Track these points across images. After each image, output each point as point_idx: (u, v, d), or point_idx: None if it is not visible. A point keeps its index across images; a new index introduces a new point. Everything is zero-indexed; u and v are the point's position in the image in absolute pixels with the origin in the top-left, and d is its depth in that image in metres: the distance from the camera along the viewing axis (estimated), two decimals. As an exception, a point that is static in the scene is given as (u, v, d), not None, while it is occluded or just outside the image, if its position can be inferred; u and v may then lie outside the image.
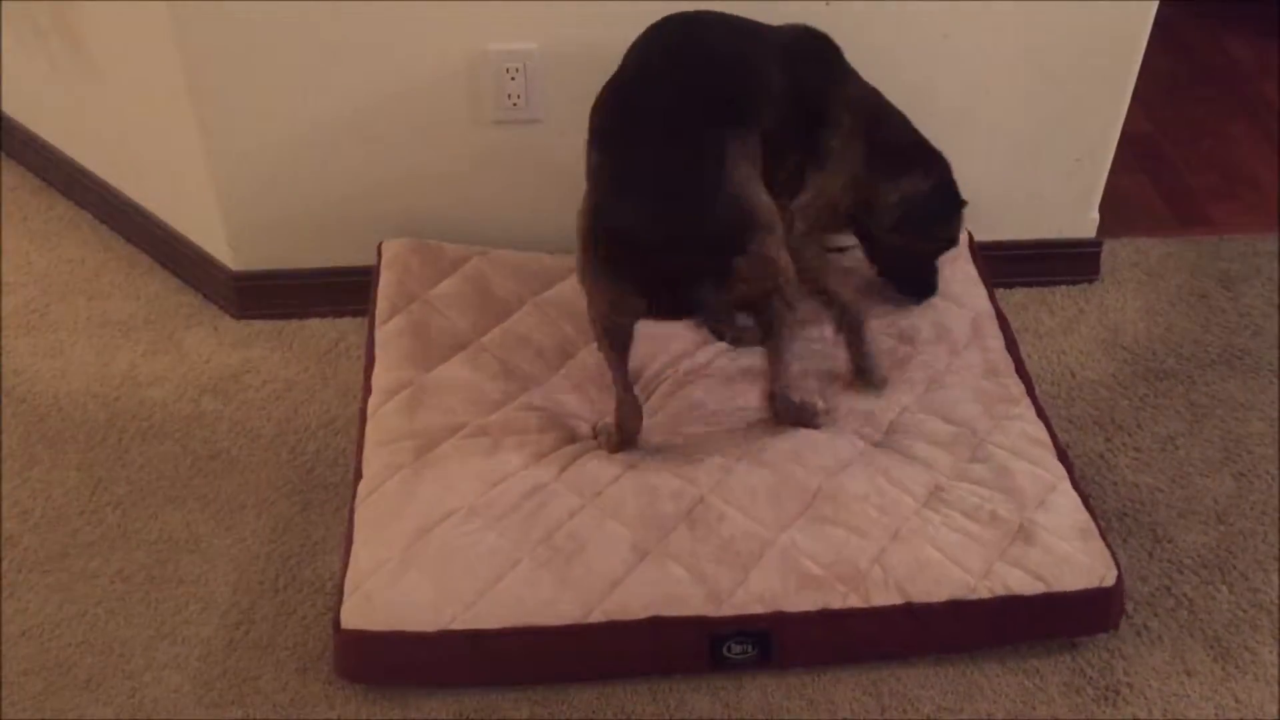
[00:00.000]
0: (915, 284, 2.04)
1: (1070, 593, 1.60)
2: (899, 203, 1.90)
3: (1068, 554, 1.63)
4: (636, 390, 1.79)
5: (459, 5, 1.88)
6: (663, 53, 1.70)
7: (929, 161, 1.92)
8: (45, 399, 1.99)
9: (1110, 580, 1.62)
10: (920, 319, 2.00)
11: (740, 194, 1.59)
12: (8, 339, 2.10)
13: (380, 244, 2.07)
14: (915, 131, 1.91)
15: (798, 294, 1.68)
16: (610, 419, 1.77)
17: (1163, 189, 2.54)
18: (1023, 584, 1.60)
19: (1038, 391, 1.91)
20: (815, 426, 1.80)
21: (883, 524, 1.66)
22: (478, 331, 1.95)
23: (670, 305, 1.57)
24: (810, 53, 1.82)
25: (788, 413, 1.80)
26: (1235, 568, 1.77)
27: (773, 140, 1.70)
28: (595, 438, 1.80)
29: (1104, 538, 1.67)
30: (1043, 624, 1.63)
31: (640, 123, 1.62)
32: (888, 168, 1.89)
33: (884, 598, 1.59)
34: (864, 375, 1.89)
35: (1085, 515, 1.69)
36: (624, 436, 1.77)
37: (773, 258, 1.60)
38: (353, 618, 1.55)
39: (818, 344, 1.95)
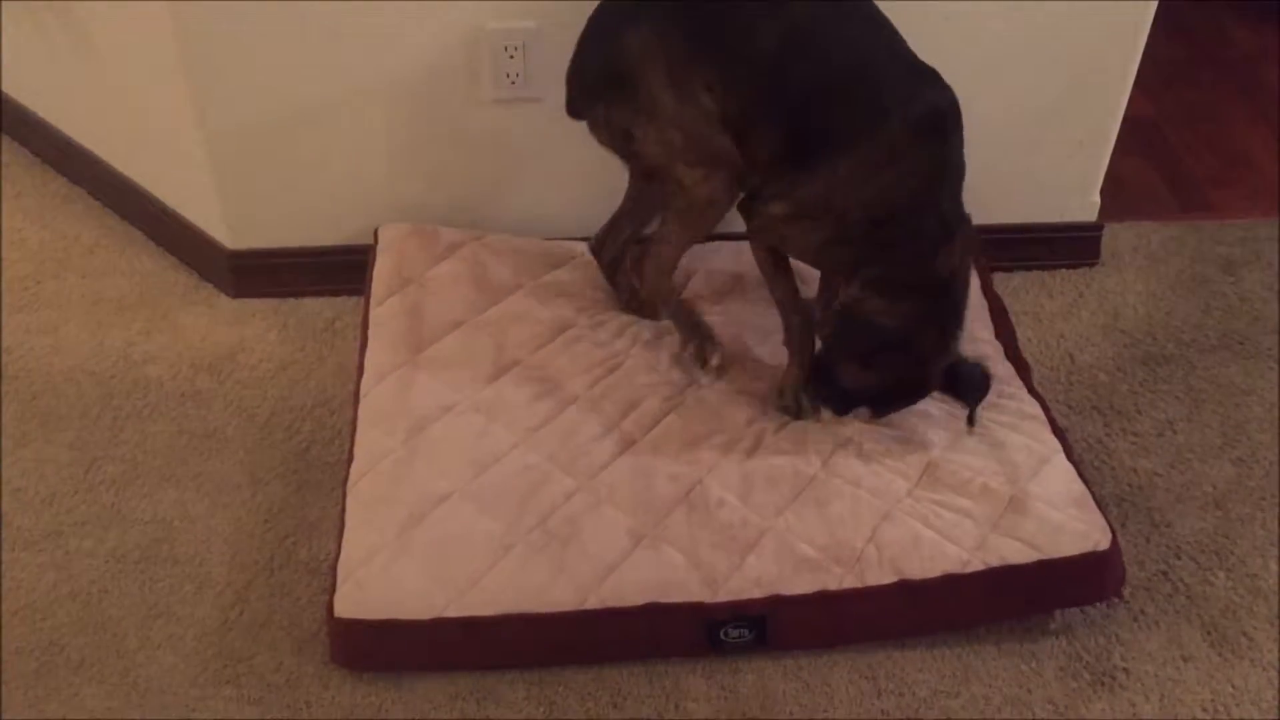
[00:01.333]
0: (827, 390, 1.76)
1: (1064, 559, 1.60)
2: (838, 312, 1.69)
3: (1060, 521, 1.63)
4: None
5: (457, -18, 1.87)
6: None
7: (920, 299, 1.65)
8: (39, 377, 1.98)
9: (1104, 544, 1.62)
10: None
11: (624, 58, 1.67)
12: (1, 316, 2.08)
13: (377, 229, 2.05)
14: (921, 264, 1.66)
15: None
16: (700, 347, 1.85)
17: (1164, 174, 2.53)
18: (1016, 553, 1.60)
19: (1036, 375, 1.90)
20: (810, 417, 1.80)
21: (876, 505, 1.66)
22: (473, 312, 1.94)
23: (572, 105, 1.79)
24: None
25: (791, 409, 1.80)
26: (1233, 553, 1.77)
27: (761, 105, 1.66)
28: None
29: (1099, 505, 1.66)
30: (1039, 594, 1.63)
31: None
32: (874, 277, 1.66)
33: (878, 577, 1.59)
34: (784, 399, 1.81)
35: (1080, 485, 1.69)
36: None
37: (627, 131, 1.71)
38: (346, 606, 1.55)
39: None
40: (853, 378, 1.70)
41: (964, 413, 1.73)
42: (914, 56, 1.66)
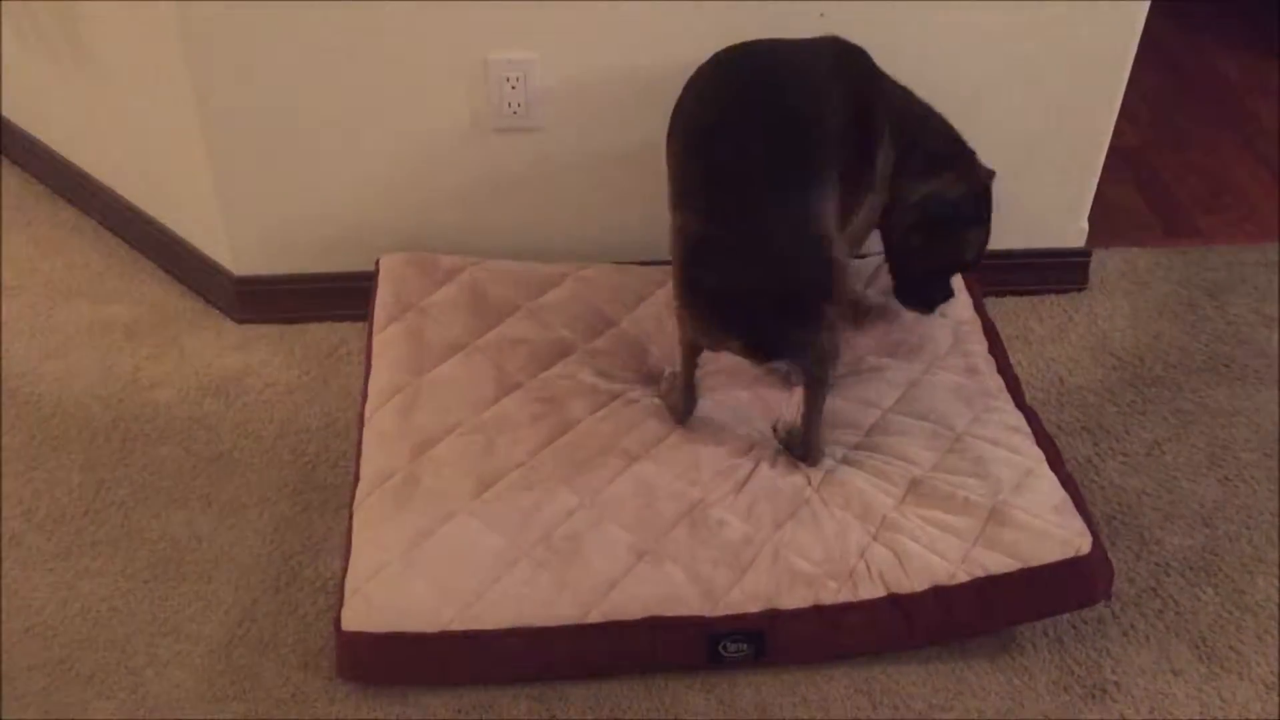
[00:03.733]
0: (921, 294, 1.98)
1: (1046, 565, 1.63)
2: (920, 202, 1.86)
3: (1041, 529, 1.67)
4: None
5: (461, 15, 1.91)
6: (739, 107, 1.71)
7: (964, 168, 1.88)
8: (49, 401, 2.01)
9: (1086, 548, 1.65)
10: (905, 332, 2.02)
11: (828, 245, 1.65)
12: (12, 342, 2.12)
13: (378, 259, 2.10)
14: (954, 137, 1.89)
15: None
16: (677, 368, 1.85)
17: (1151, 200, 2.58)
18: (999, 564, 1.64)
19: (1026, 397, 1.94)
20: (812, 465, 1.79)
21: (865, 523, 1.69)
22: (473, 335, 1.97)
23: (763, 350, 1.69)
24: (856, 76, 1.80)
25: (799, 447, 1.79)
26: (1221, 570, 1.80)
27: (842, 182, 1.71)
28: (660, 387, 1.88)
29: (1082, 511, 1.70)
30: (1026, 602, 1.66)
31: (727, 182, 1.66)
32: (917, 168, 1.85)
33: (870, 591, 1.62)
34: (793, 440, 1.80)
35: (1063, 494, 1.72)
36: (675, 415, 1.84)
37: (844, 298, 1.74)
38: (353, 620, 1.58)
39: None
40: (936, 257, 1.92)
41: (946, 434, 1.81)
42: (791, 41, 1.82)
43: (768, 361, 1.77)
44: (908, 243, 1.92)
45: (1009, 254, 2.24)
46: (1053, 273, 2.28)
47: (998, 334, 2.05)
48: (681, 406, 1.84)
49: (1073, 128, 2.13)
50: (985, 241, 1.95)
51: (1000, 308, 2.22)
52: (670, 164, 1.74)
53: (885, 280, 2.04)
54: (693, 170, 1.70)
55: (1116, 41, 2.04)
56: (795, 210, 1.63)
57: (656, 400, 1.87)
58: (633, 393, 1.89)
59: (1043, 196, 2.20)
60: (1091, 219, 2.26)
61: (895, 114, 1.83)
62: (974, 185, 1.89)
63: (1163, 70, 2.96)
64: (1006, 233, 2.23)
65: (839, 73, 1.78)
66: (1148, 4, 2.00)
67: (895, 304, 2.02)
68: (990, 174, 1.90)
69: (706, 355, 1.83)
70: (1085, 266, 2.30)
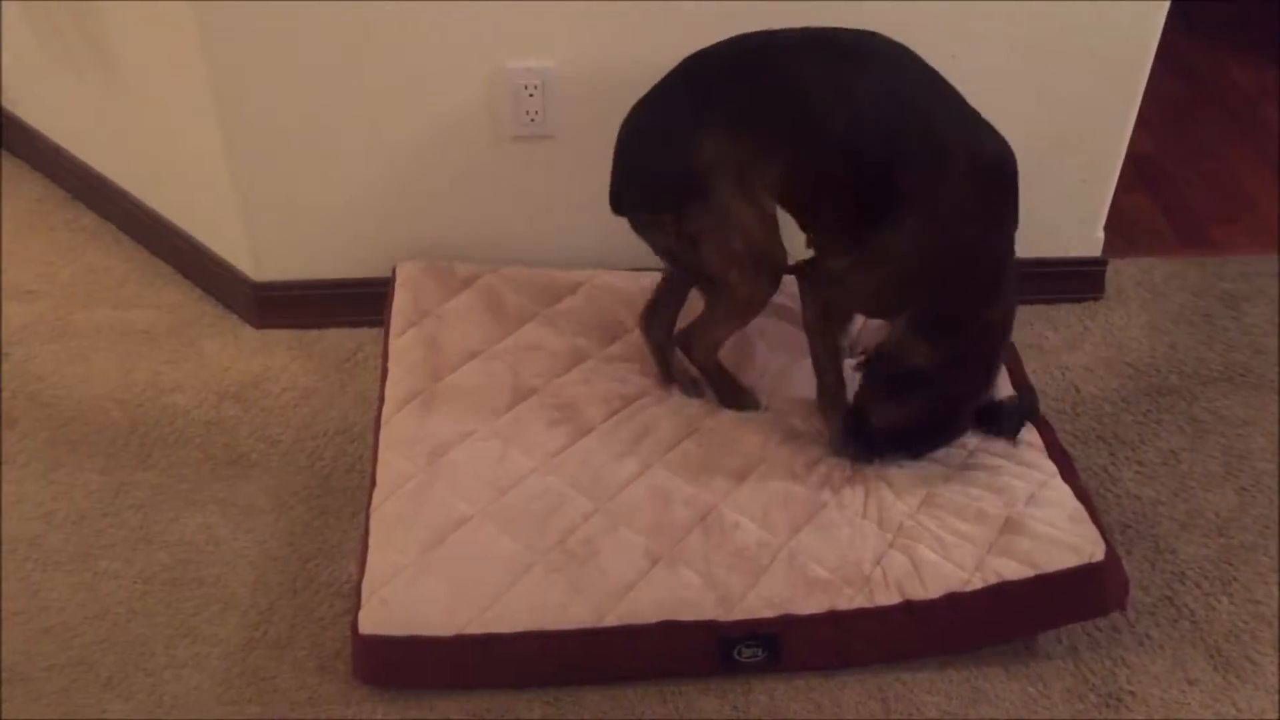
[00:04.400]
0: (863, 438, 1.80)
1: (1060, 573, 1.64)
2: (888, 352, 1.72)
3: (1055, 538, 1.67)
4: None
5: (479, 23, 1.93)
6: (738, 39, 1.72)
7: (958, 353, 1.70)
8: (69, 404, 2.03)
9: (1099, 556, 1.65)
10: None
11: (699, 167, 1.67)
12: (33, 345, 2.14)
13: (395, 266, 2.11)
14: (976, 301, 1.70)
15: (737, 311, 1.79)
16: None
17: (1166, 210, 2.58)
18: (1013, 571, 1.64)
19: (1041, 405, 1.94)
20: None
21: (880, 531, 1.70)
22: (489, 342, 1.99)
23: (616, 201, 1.79)
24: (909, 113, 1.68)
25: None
26: (1236, 579, 1.80)
27: (824, 177, 1.69)
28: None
29: (1095, 520, 1.70)
30: (1040, 610, 1.66)
31: (684, 72, 1.72)
32: (919, 311, 1.71)
33: (886, 598, 1.63)
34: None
35: (1076, 504, 1.72)
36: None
37: (693, 238, 1.71)
38: (370, 622, 1.59)
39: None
40: (888, 418, 1.74)
41: (959, 450, 1.81)
42: (970, 109, 1.70)
43: (618, 213, 1.79)
44: (865, 376, 1.79)
45: (1025, 263, 2.22)
46: (1069, 282, 2.28)
47: (1013, 346, 2.05)
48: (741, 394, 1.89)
49: (1089, 136, 2.13)
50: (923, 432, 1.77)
51: (1016, 316, 2.22)
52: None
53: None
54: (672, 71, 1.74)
55: (1134, 50, 2.04)
56: (694, 118, 1.68)
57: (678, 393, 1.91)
58: (647, 399, 1.90)
59: (1059, 205, 2.20)
60: (1107, 228, 2.27)
61: (929, 204, 1.66)
62: (955, 377, 1.70)
63: (1178, 79, 2.96)
64: (1023, 241, 2.23)
65: (886, 89, 1.69)
66: (1165, 12, 2.00)
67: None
68: (997, 399, 1.77)
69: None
70: (1101, 276, 2.30)
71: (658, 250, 1.81)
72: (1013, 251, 1.73)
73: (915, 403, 1.73)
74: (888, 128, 1.65)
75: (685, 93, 1.71)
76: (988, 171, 1.68)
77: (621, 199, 1.77)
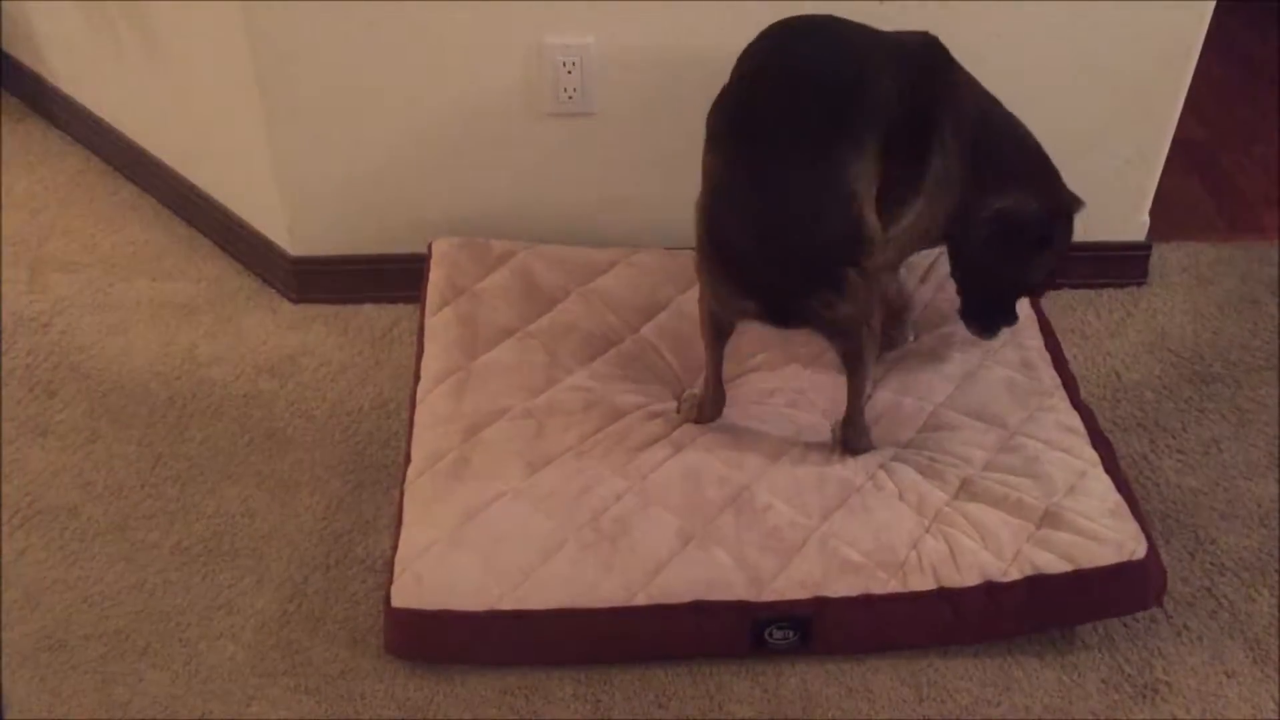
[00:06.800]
0: (985, 316, 1.88)
1: (1099, 569, 1.61)
2: (991, 217, 1.75)
3: (1095, 532, 1.65)
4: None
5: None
6: (780, 61, 1.66)
7: (1043, 187, 1.78)
8: (109, 376, 2.05)
9: (1140, 553, 1.63)
10: (958, 324, 1.97)
11: (857, 207, 1.57)
12: (73, 317, 2.16)
13: (430, 243, 2.11)
14: (1036, 154, 1.80)
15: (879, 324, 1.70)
16: (697, 391, 1.83)
17: (1214, 194, 2.53)
18: (1051, 564, 1.62)
19: (1081, 391, 1.92)
20: (862, 451, 1.79)
21: (917, 516, 1.69)
22: (524, 320, 1.98)
23: (780, 313, 1.63)
24: (925, 68, 1.72)
25: (853, 440, 1.79)
26: (1277, 571, 1.77)
27: (885, 162, 1.63)
28: (679, 408, 1.84)
29: (1137, 515, 1.68)
30: (1077, 604, 1.64)
31: (756, 130, 1.59)
32: (990, 182, 1.75)
33: (920, 584, 1.61)
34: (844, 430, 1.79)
35: (1117, 497, 1.70)
36: (703, 416, 1.81)
37: (877, 278, 1.63)
38: (403, 596, 1.59)
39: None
40: (1004, 278, 1.83)
41: (999, 432, 1.80)
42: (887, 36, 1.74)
43: (784, 326, 1.67)
44: (974, 260, 1.82)
45: (1069, 246, 2.21)
46: (1113, 266, 2.25)
47: (1052, 331, 2.02)
48: (708, 404, 1.81)
49: (1137, 119, 2.10)
50: (1054, 268, 1.86)
51: (1058, 300, 2.20)
52: (709, 113, 1.68)
53: (937, 276, 2.02)
54: (723, 115, 1.63)
55: (1184, 31, 2.00)
56: (821, 164, 1.55)
57: (676, 414, 1.84)
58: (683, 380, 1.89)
59: (1104, 188, 2.17)
60: (1153, 212, 2.23)
61: (965, 120, 1.72)
62: (1051, 207, 1.78)
63: (1228, 62, 2.91)
64: (1065, 225, 2.20)
65: (906, 58, 1.69)
66: (1216, -7, 1.96)
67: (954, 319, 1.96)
68: (1076, 201, 1.81)
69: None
70: (1145, 260, 2.27)
71: (824, 329, 1.67)
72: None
73: (1030, 242, 1.79)
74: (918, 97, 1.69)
75: (811, 124, 1.57)
76: (926, 47, 1.74)
77: (778, 298, 1.60)
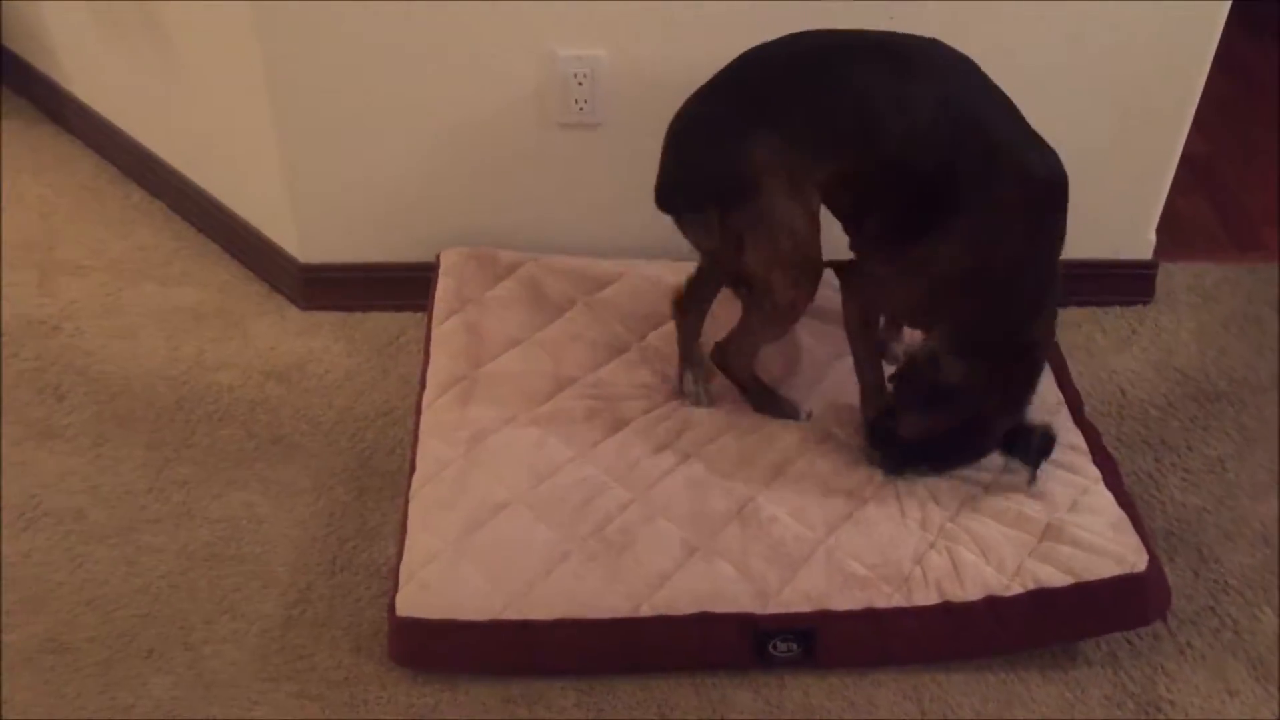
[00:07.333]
0: (891, 443, 1.78)
1: (1101, 581, 1.62)
2: (922, 360, 1.71)
3: (1097, 545, 1.65)
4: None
5: (530, 11, 1.93)
6: (814, 40, 1.69)
7: (993, 374, 1.67)
8: (116, 379, 2.06)
9: (1141, 566, 1.63)
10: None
11: (745, 166, 1.64)
12: (82, 321, 2.17)
13: (439, 253, 2.12)
14: (1019, 326, 1.69)
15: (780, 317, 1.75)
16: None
17: (1220, 213, 2.54)
18: (1053, 578, 1.63)
19: (1086, 409, 1.92)
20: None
21: (920, 531, 1.69)
22: (530, 330, 1.99)
23: (669, 203, 1.74)
24: (986, 152, 1.64)
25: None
26: (1280, 590, 1.78)
27: (871, 182, 1.66)
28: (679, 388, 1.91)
29: (1140, 530, 1.68)
30: (1079, 618, 1.65)
31: (739, 68, 1.70)
32: (957, 327, 1.69)
33: (924, 598, 1.61)
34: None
35: (1119, 512, 1.71)
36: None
37: (739, 237, 1.67)
38: (408, 605, 1.60)
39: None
40: (913, 429, 1.72)
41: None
42: (1027, 126, 1.68)
43: (679, 226, 1.75)
44: (897, 385, 1.77)
45: (1074, 264, 2.19)
46: (1118, 284, 2.25)
47: (1058, 348, 2.02)
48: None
49: (1144, 136, 2.10)
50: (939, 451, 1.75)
51: (1063, 317, 2.17)
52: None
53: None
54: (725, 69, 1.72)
55: (1192, 50, 2.01)
56: (745, 120, 1.65)
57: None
58: (688, 391, 1.90)
59: (1110, 206, 2.17)
60: (1160, 231, 2.23)
61: (983, 211, 1.63)
62: (986, 396, 1.68)
63: (1234, 79, 2.91)
64: (1072, 242, 2.20)
65: (940, 94, 1.65)
66: (1225, 12, 1.96)
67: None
68: (1032, 427, 1.71)
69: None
70: (1152, 279, 2.27)
71: (700, 249, 1.79)
72: (1057, 277, 1.71)
73: (944, 418, 1.70)
74: (944, 141, 1.63)
75: (741, 91, 1.68)
76: (1039, 193, 1.65)
77: (668, 194, 1.73)
